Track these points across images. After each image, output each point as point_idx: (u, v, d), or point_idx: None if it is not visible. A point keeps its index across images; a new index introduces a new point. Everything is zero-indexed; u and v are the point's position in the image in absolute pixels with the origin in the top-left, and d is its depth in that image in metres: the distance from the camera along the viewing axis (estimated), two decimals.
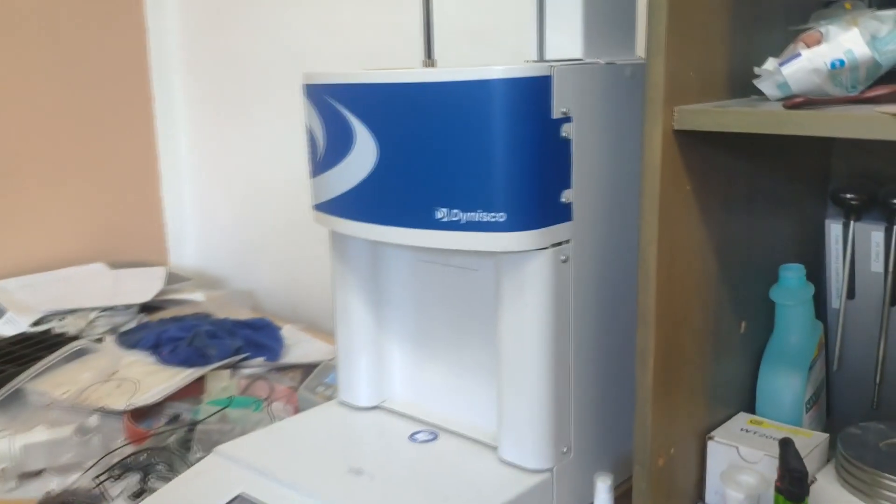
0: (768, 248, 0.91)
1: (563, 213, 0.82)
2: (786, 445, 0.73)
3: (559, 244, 0.82)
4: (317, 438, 0.97)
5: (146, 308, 1.69)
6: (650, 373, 0.75)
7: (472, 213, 0.79)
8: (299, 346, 1.54)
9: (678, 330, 0.79)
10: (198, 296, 1.79)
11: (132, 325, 1.61)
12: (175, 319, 1.57)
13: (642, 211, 0.73)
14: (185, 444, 1.10)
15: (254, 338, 1.48)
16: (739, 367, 0.91)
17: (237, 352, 1.41)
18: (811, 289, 0.91)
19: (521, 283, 0.82)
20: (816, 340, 0.93)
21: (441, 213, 0.81)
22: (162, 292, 1.74)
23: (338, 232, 0.97)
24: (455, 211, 0.80)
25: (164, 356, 1.40)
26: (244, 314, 1.68)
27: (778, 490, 0.72)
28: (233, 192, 1.98)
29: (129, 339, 1.50)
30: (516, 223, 0.79)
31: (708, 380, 0.85)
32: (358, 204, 0.88)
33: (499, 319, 0.85)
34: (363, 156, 0.85)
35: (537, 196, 0.79)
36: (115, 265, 1.88)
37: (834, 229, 0.96)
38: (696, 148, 0.75)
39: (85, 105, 1.89)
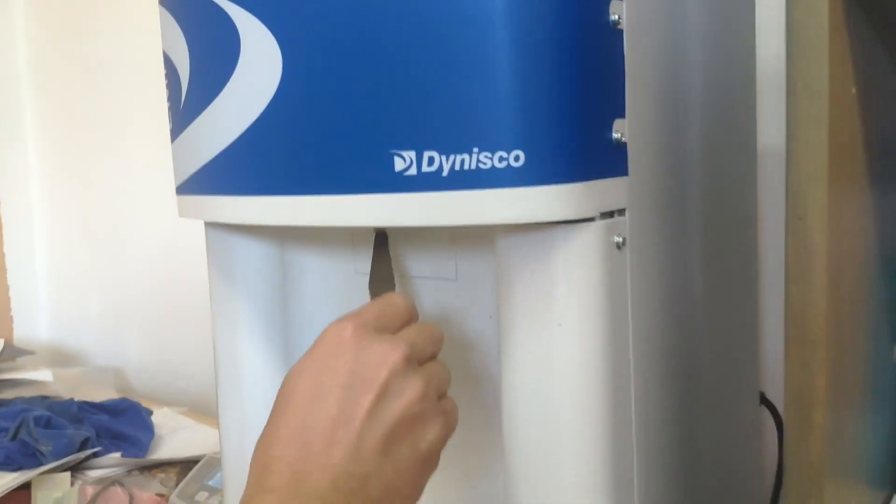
0: None
1: (614, 160, 0.47)
2: None
3: (611, 214, 0.47)
4: None
5: None
6: (818, 438, 0.40)
7: (463, 156, 0.43)
8: (176, 436, 1.15)
9: (841, 363, 0.44)
10: (43, 374, 1.36)
11: None
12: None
13: (793, 160, 0.39)
14: None
15: (110, 426, 1.07)
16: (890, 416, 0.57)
17: (83, 446, 0.99)
18: None
19: (548, 289, 0.46)
20: None
21: (403, 162, 0.45)
22: None
23: (217, 225, 0.59)
24: (430, 155, 0.44)
25: None
26: (104, 396, 1.27)
27: None
28: (95, 240, 1.56)
29: None
30: (543, 170, 0.43)
31: (863, 439, 0.50)
32: (249, 165, 0.50)
33: (504, 365, 0.48)
34: (256, 74, 0.49)
35: (575, 123, 0.44)
36: None
37: None
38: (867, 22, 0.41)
39: None
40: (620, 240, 0.47)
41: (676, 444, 0.55)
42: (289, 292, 0.62)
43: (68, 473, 0.95)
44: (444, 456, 0.48)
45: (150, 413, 1.17)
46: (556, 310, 0.46)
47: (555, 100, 0.43)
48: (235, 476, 0.63)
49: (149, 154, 1.41)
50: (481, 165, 0.43)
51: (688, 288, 0.56)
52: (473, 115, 0.43)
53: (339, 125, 0.46)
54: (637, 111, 0.48)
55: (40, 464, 0.96)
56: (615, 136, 0.46)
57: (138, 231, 1.49)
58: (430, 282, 0.57)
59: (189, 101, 0.54)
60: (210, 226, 0.61)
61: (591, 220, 0.45)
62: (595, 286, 0.46)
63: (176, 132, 0.57)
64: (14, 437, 0.99)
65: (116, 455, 1.00)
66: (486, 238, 0.53)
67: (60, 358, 1.62)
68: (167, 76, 0.57)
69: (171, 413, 1.24)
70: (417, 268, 0.58)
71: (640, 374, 0.50)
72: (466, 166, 0.43)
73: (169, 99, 0.58)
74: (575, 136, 0.44)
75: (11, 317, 1.63)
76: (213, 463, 0.88)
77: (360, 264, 0.60)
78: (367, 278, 0.57)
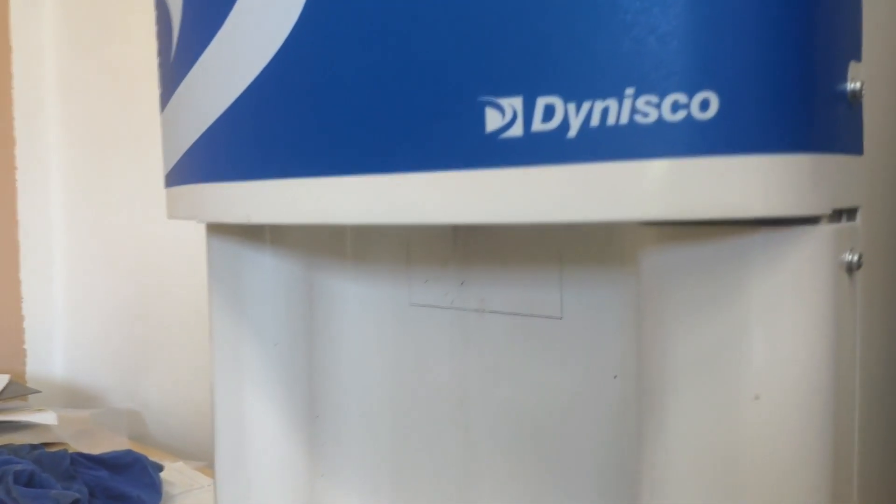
0: None
1: (847, 127, 0.29)
2: None
3: (839, 216, 0.29)
4: None
5: None
6: None
7: (606, 103, 0.25)
8: (189, 498, 0.99)
9: None
10: (47, 417, 1.20)
11: None
12: None
13: None
14: None
15: (109, 484, 0.90)
16: None
17: None
18: None
19: (737, 339, 0.27)
20: None
21: (500, 116, 0.27)
22: None
23: (219, 230, 0.42)
24: (546, 102, 0.26)
25: None
26: (115, 444, 1.11)
27: None
28: (116, 271, 1.42)
29: None
30: (749, 127, 0.25)
31: None
32: (259, 131, 0.33)
33: (647, 461, 0.30)
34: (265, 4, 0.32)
35: (798, 63, 0.26)
36: None
37: None
38: None
39: None
40: (854, 258, 0.29)
41: None
42: (316, 330, 0.44)
43: None
44: None
45: (160, 469, 1.00)
46: (750, 373, 0.27)
47: (771, 5, 0.25)
48: None
49: None
50: (639, 118, 0.25)
51: None
52: (626, 28, 0.25)
53: (390, 61, 0.29)
54: (875, 56, 0.30)
55: None
56: (851, 86, 0.28)
57: (163, 262, 1.34)
58: (519, 320, 0.39)
59: (183, 44, 0.37)
60: (211, 231, 0.44)
61: (814, 221, 0.27)
62: (814, 332, 0.27)
63: (165, 98, 0.40)
64: None
65: None
66: (609, 256, 0.35)
67: (75, 397, 1.47)
68: (157, 21, 0.41)
69: (185, 469, 1.07)
70: (499, 297, 0.40)
71: (867, 474, 0.31)
72: (612, 121, 0.25)
73: (159, 54, 0.41)
74: (797, 74, 0.26)
75: (25, 349, 1.49)
76: None
77: (416, 293, 0.42)
78: (426, 312, 0.39)
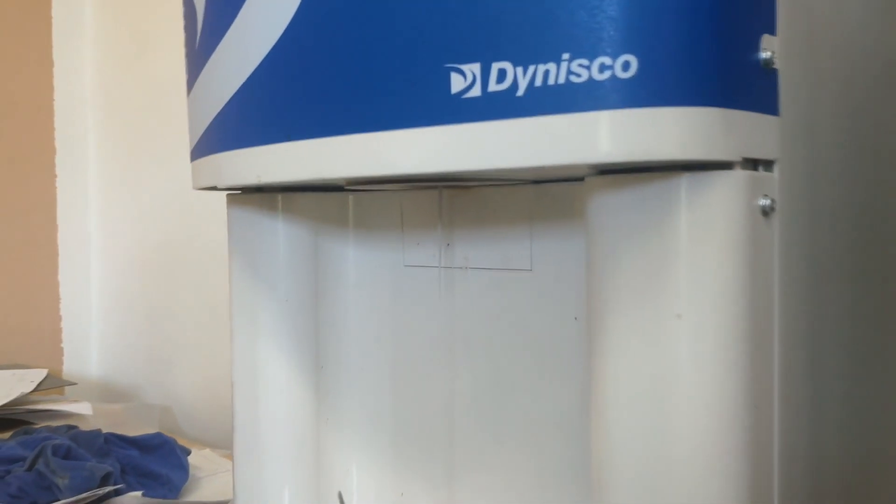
0: None
1: (761, 90, 0.33)
2: None
3: (754, 164, 0.34)
4: None
5: (2, 423, 1.17)
6: None
7: (547, 67, 0.31)
8: (214, 480, 1.04)
9: None
10: (82, 407, 1.26)
11: None
12: (24, 433, 1.03)
13: None
14: None
15: (139, 462, 0.95)
16: None
17: (104, 481, 0.88)
18: None
19: (663, 267, 0.32)
20: None
21: (463, 80, 0.32)
22: (27, 401, 1.21)
23: (239, 201, 0.48)
24: (500, 67, 0.31)
25: None
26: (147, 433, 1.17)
27: None
28: (148, 273, 1.48)
29: None
30: (663, 84, 0.30)
31: None
32: (267, 103, 0.39)
33: (596, 374, 0.35)
34: None
35: (709, 23, 0.31)
36: None
37: None
38: None
39: None
40: (767, 203, 0.33)
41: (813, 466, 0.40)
42: (322, 289, 0.50)
43: None
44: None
45: (188, 452, 1.05)
46: (673, 295, 0.32)
47: None
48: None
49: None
50: (574, 79, 0.30)
51: (838, 273, 0.41)
52: (562, 3, 0.30)
53: (371, 38, 0.34)
54: (791, 30, 0.35)
55: (56, 498, 0.85)
56: (763, 55, 0.33)
57: (191, 265, 1.40)
58: (496, 274, 0.44)
59: (205, 34, 0.43)
60: (232, 203, 0.49)
61: (728, 166, 0.32)
62: (730, 263, 0.32)
63: (191, 82, 0.46)
64: (31, 468, 0.88)
65: (137, 494, 0.88)
66: (573, 214, 0.40)
67: (108, 394, 1.54)
68: (185, 15, 0.47)
69: (211, 455, 1.13)
70: (480, 255, 0.45)
71: (787, 386, 0.35)
72: (552, 81, 0.31)
73: (186, 44, 0.47)
74: (710, 40, 0.31)
75: (62, 349, 1.56)
76: None
77: (410, 255, 0.48)
78: (418, 272, 0.44)
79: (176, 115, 1.39)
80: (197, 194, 1.36)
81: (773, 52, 0.33)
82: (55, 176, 1.53)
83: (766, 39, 0.33)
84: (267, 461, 0.49)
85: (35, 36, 1.51)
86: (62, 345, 1.55)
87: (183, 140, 1.44)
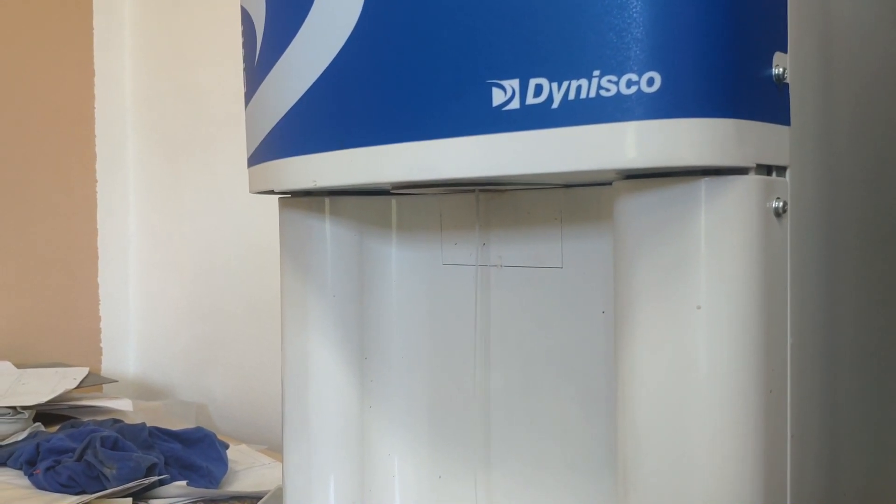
0: None
1: (773, 103, 0.37)
2: None
3: (768, 170, 0.37)
4: None
5: (47, 418, 1.21)
6: None
7: (579, 82, 0.34)
8: (251, 473, 1.08)
9: None
10: (123, 403, 1.31)
11: (22, 436, 1.13)
12: (71, 426, 1.08)
13: None
14: None
15: (182, 455, 1.00)
16: None
17: (150, 472, 0.92)
18: None
19: (684, 263, 0.36)
20: None
21: (503, 94, 0.36)
22: (70, 397, 1.26)
23: (291, 204, 0.52)
24: (536, 83, 0.35)
25: (37, 475, 0.93)
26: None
27: None
28: (185, 273, 1.53)
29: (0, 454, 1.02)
30: (685, 98, 0.34)
31: None
32: (323, 115, 0.43)
33: (621, 364, 0.38)
34: (334, 9, 0.41)
35: (726, 43, 0.34)
36: (26, 367, 1.41)
37: None
38: None
39: (6, 161, 1.48)
40: (780, 205, 0.37)
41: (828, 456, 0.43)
42: (366, 286, 0.54)
43: (129, 500, 0.88)
44: (546, 489, 0.37)
45: (226, 447, 1.10)
46: (694, 287, 0.36)
47: (701, 8, 0.34)
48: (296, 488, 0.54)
49: (245, 186, 1.37)
50: (603, 93, 0.34)
51: (848, 272, 0.44)
52: (593, 26, 0.34)
53: (421, 54, 0.38)
54: (802, 48, 0.38)
55: (104, 487, 0.89)
56: (775, 70, 0.37)
57: (227, 267, 1.45)
58: (529, 272, 0.48)
59: (264, 52, 0.47)
60: (284, 206, 0.53)
61: (744, 171, 0.35)
62: (745, 259, 0.36)
63: (249, 95, 0.50)
64: (80, 458, 0.93)
65: (182, 483, 0.93)
66: (601, 215, 0.44)
67: (146, 392, 1.58)
68: (243, 33, 0.51)
69: (248, 450, 1.17)
70: (514, 254, 0.48)
71: (799, 375, 0.38)
72: (584, 94, 0.34)
73: (244, 60, 0.51)
74: (726, 58, 0.34)
75: (101, 348, 1.61)
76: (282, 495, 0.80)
77: (448, 254, 0.51)
78: (455, 270, 0.48)
79: (212, 121, 1.44)
80: (232, 198, 1.41)
81: (784, 68, 0.37)
82: (96, 181, 1.59)
83: (777, 56, 0.37)
84: (315, 445, 0.53)
85: (77, 47, 1.57)
86: (101, 344, 1.60)
87: (219, 145, 1.49)
